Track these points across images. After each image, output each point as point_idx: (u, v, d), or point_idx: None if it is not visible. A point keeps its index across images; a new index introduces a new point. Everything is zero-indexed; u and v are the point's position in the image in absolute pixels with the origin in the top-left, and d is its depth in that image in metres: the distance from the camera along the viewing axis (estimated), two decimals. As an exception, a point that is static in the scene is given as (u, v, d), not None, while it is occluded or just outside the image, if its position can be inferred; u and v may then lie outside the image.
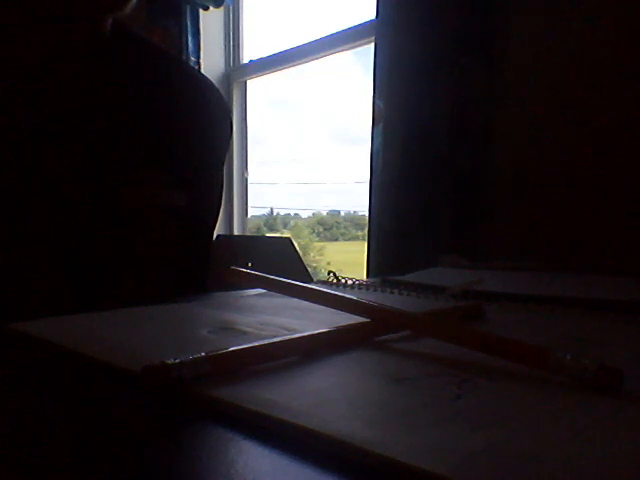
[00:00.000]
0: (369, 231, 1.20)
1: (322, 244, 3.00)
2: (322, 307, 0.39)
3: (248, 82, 1.96)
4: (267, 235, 2.52)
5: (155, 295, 0.60)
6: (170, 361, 0.23)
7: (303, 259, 1.21)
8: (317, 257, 2.95)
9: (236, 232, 1.95)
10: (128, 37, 0.62)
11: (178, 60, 0.78)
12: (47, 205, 0.55)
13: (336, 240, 3.04)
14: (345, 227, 3.06)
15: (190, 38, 1.78)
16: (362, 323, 0.33)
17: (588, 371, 0.24)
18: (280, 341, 0.28)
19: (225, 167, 2.03)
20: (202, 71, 1.78)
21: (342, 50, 1.61)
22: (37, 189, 0.54)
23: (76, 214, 0.56)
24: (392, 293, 0.54)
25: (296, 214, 3.15)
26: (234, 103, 1.95)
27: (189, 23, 1.78)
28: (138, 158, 0.59)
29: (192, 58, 1.78)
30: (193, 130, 0.64)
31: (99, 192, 0.56)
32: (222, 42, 1.95)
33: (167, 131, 0.62)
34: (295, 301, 0.42)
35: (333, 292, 0.39)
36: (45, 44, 0.56)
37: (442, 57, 1.05)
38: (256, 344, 0.27)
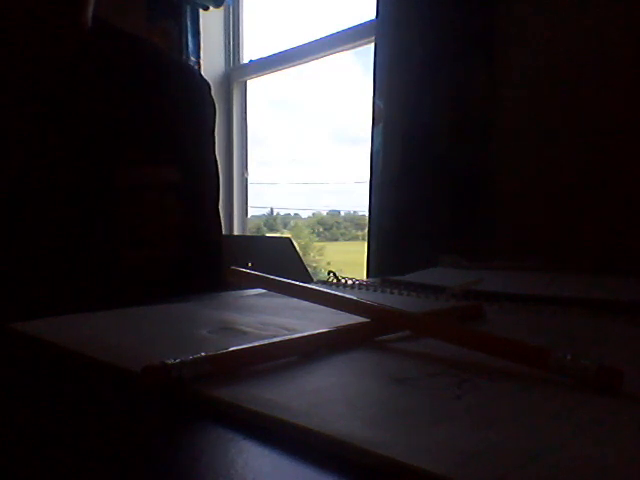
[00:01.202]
0: (369, 231, 1.20)
1: (322, 244, 3.00)
2: (322, 307, 0.39)
3: (248, 82, 1.96)
4: (267, 235, 2.52)
5: (160, 281, 0.60)
6: (170, 361, 0.23)
7: (303, 259, 1.21)
8: (317, 257, 2.95)
9: (236, 232, 1.95)
10: (106, 28, 0.64)
11: (155, 46, 0.81)
12: (46, 202, 0.55)
13: (336, 240, 3.03)
14: (345, 227, 3.06)
15: (190, 38, 1.78)
16: (362, 323, 0.33)
17: (588, 371, 0.24)
18: (280, 341, 0.28)
19: (225, 167, 2.02)
20: (202, 71, 1.78)
21: (342, 50, 1.61)
22: (35, 187, 0.55)
23: (75, 205, 0.56)
24: (392, 293, 0.54)
25: (296, 214, 3.15)
26: (234, 103, 1.95)
27: (189, 23, 1.78)
28: (128, 137, 0.60)
29: (192, 58, 1.78)
30: (177, 105, 0.66)
31: (94, 175, 0.57)
32: (222, 42, 1.95)
33: (152, 110, 0.63)
34: (295, 301, 0.42)
35: (333, 292, 0.39)
36: (32, 36, 0.56)
37: (442, 57, 1.05)
38: (256, 344, 0.27)
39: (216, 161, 0.73)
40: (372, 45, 1.20)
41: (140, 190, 0.60)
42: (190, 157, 0.66)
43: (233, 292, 0.54)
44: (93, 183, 0.57)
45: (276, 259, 1.15)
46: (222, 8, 1.89)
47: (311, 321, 0.38)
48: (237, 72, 1.95)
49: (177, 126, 0.65)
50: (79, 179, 0.57)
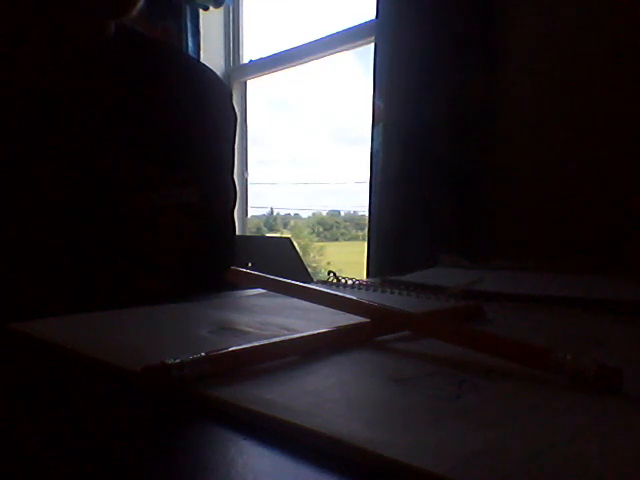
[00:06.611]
0: (369, 231, 1.20)
1: (322, 244, 3.00)
2: (322, 307, 0.39)
3: (248, 82, 1.96)
4: (267, 235, 2.52)
5: (171, 295, 0.59)
6: (170, 361, 0.23)
7: (303, 259, 1.21)
8: (317, 257, 2.95)
9: (236, 232, 1.94)
10: (128, 36, 0.62)
11: (177, 52, 0.77)
12: (51, 207, 0.55)
13: (336, 240, 3.04)
14: (345, 227, 3.06)
15: (190, 38, 1.78)
16: (362, 323, 0.33)
17: (588, 371, 0.24)
18: (280, 341, 0.28)
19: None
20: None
21: (342, 50, 1.61)
22: (41, 190, 0.54)
23: (81, 217, 0.55)
24: (392, 293, 0.54)
25: (296, 214, 3.15)
26: (234, 103, 1.95)
27: (189, 23, 1.78)
28: (146, 159, 0.58)
29: (192, 58, 1.78)
30: (198, 121, 0.64)
31: (109, 197, 0.56)
32: (222, 42, 1.95)
33: (173, 127, 0.61)
34: (295, 301, 0.42)
35: (333, 292, 0.39)
36: (52, 50, 0.56)
37: (442, 57, 1.05)
38: (256, 344, 0.27)
39: (234, 181, 0.71)
40: (372, 45, 1.20)
41: (156, 212, 0.58)
42: (209, 178, 0.64)
43: (233, 292, 0.54)
44: (107, 196, 0.56)
45: (276, 259, 1.15)
46: (222, 8, 1.89)
47: (311, 321, 0.38)
48: (237, 72, 1.95)
49: (197, 143, 0.63)
50: (92, 189, 0.55)
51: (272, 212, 2.96)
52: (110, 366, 0.27)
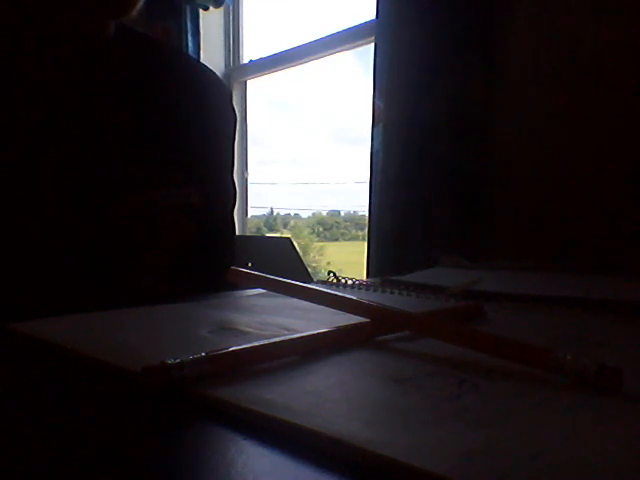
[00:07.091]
0: (369, 231, 1.20)
1: (322, 244, 3.00)
2: (322, 307, 0.39)
3: (248, 82, 1.96)
4: (267, 235, 2.52)
5: (171, 295, 0.59)
6: (170, 361, 0.23)
7: (303, 259, 1.21)
8: (317, 257, 2.95)
9: (236, 232, 1.94)
10: (128, 36, 0.62)
11: (177, 52, 0.78)
12: (51, 207, 0.55)
13: (336, 240, 3.04)
14: (345, 227, 3.06)
15: (190, 38, 1.78)
16: (362, 323, 0.33)
17: (588, 371, 0.24)
18: (280, 341, 0.28)
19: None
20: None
21: (342, 50, 1.61)
22: (41, 190, 0.54)
23: (81, 217, 0.55)
24: (392, 293, 0.54)
25: (296, 214, 3.16)
26: (234, 103, 1.95)
27: (189, 23, 1.78)
28: (146, 159, 0.58)
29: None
30: (198, 121, 0.64)
31: (109, 197, 0.56)
32: (222, 42, 1.95)
33: (173, 127, 0.61)
34: (295, 301, 0.42)
35: (333, 292, 0.39)
36: (52, 50, 0.56)
37: (442, 57, 1.05)
38: (256, 344, 0.27)
39: (234, 182, 0.71)
40: (372, 45, 1.20)
41: (156, 212, 0.58)
42: (209, 178, 0.64)
43: (233, 292, 0.54)
44: (106, 197, 0.56)
45: (276, 259, 1.15)
46: (222, 8, 1.89)
47: (311, 321, 0.38)
48: (237, 72, 1.95)
49: (197, 143, 0.63)
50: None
51: (272, 212, 2.96)
52: (110, 366, 0.27)
